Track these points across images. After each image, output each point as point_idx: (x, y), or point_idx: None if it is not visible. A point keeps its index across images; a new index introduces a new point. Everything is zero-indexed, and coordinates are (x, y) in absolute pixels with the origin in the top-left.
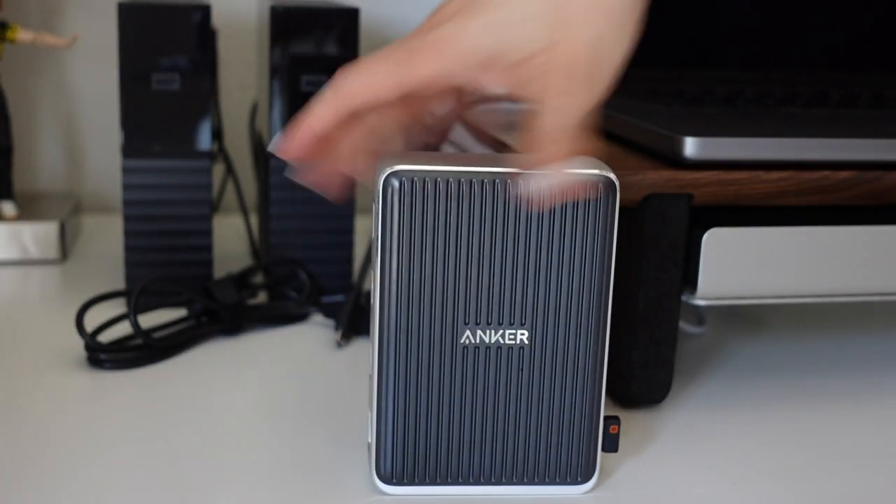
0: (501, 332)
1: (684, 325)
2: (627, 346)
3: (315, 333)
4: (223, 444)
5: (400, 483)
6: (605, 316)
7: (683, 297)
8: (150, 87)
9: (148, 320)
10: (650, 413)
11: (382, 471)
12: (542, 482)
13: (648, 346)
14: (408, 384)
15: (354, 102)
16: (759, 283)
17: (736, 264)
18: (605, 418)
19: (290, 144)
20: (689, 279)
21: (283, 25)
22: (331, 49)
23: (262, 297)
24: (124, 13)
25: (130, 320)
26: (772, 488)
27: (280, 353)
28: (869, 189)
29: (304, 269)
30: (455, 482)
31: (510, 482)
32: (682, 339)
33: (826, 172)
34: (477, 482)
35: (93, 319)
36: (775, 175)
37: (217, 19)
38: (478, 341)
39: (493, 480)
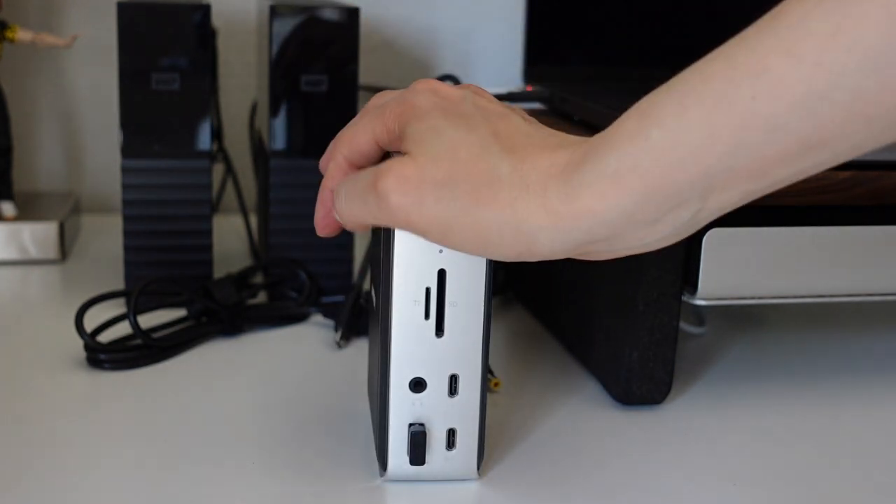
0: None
1: (684, 325)
2: (627, 346)
3: (315, 333)
4: (223, 444)
5: None
6: (385, 300)
7: (683, 297)
8: (149, 87)
9: (148, 320)
10: (650, 413)
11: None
12: None
13: (648, 346)
14: None
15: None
16: (759, 283)
17: (736, 264)
18: (412, 425)
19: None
20: (689, 279)
21: (283, 25)
22: (331, 49)
23: (261, 298)
24: (124, 13)
25: (130, 320)
26: (772, 488)
27: (280, 354)
28: (869, 189)
29: (303, 269)
30: None
31: None
32: (682, 339)
33: (826, 172)
34: None
35: (92, 319)
36: None
37: (217, 19)
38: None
39: None
